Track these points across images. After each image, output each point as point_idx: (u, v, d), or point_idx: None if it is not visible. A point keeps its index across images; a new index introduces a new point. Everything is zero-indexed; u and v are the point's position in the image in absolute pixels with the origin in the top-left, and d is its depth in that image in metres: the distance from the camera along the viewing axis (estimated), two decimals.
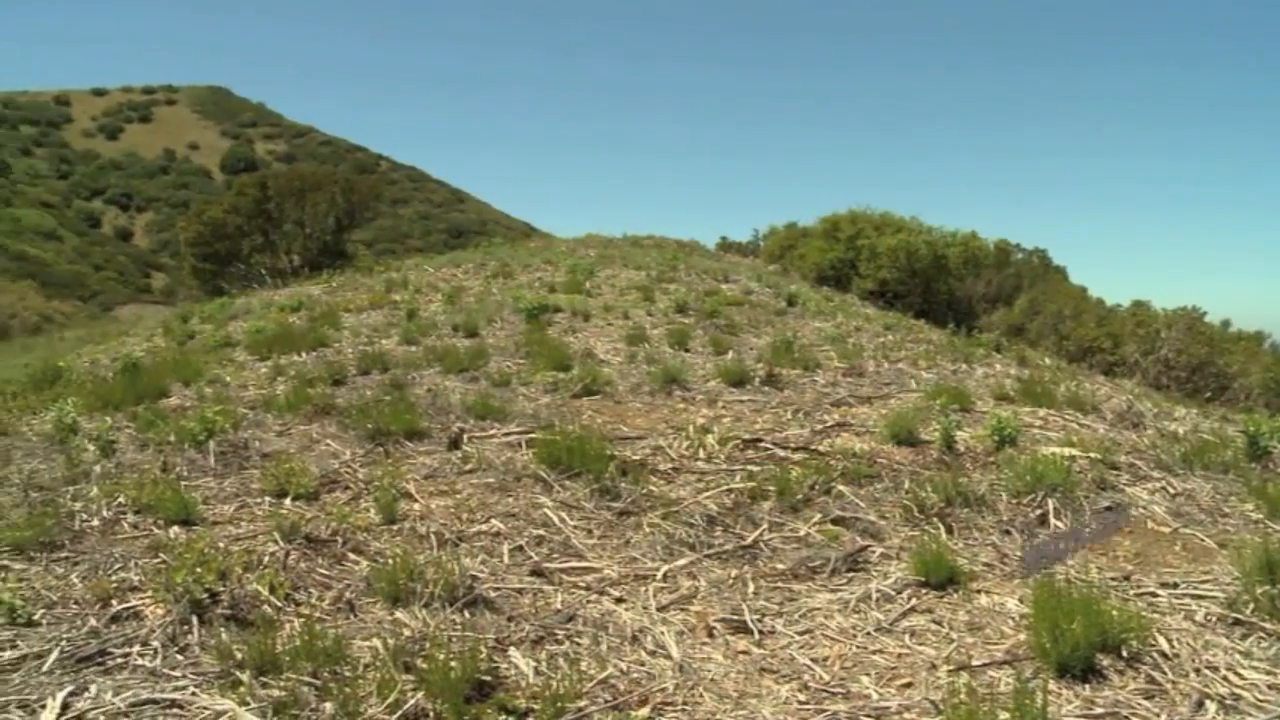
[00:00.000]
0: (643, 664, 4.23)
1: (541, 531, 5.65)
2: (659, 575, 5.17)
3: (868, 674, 4.19)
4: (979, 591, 5.07)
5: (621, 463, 6.66)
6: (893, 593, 5.03)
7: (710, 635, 4.57)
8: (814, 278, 23.93)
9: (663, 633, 4.50)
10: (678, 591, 5.01)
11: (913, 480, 6.62)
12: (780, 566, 5.37)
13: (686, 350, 11.43)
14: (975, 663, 4.26)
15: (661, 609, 4.79)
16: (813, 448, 7.38)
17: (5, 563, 4.98)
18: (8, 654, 4.04)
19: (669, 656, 4.29)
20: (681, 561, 5.36)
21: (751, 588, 5.09)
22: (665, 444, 7.35)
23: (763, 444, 7.43)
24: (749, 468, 6.86)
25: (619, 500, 6.11)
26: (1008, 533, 5.91)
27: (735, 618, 4.71)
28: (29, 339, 29.01)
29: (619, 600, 4.89)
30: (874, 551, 5.58)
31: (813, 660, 4.33)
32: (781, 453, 7.25)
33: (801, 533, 5.82)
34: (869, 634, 4.58)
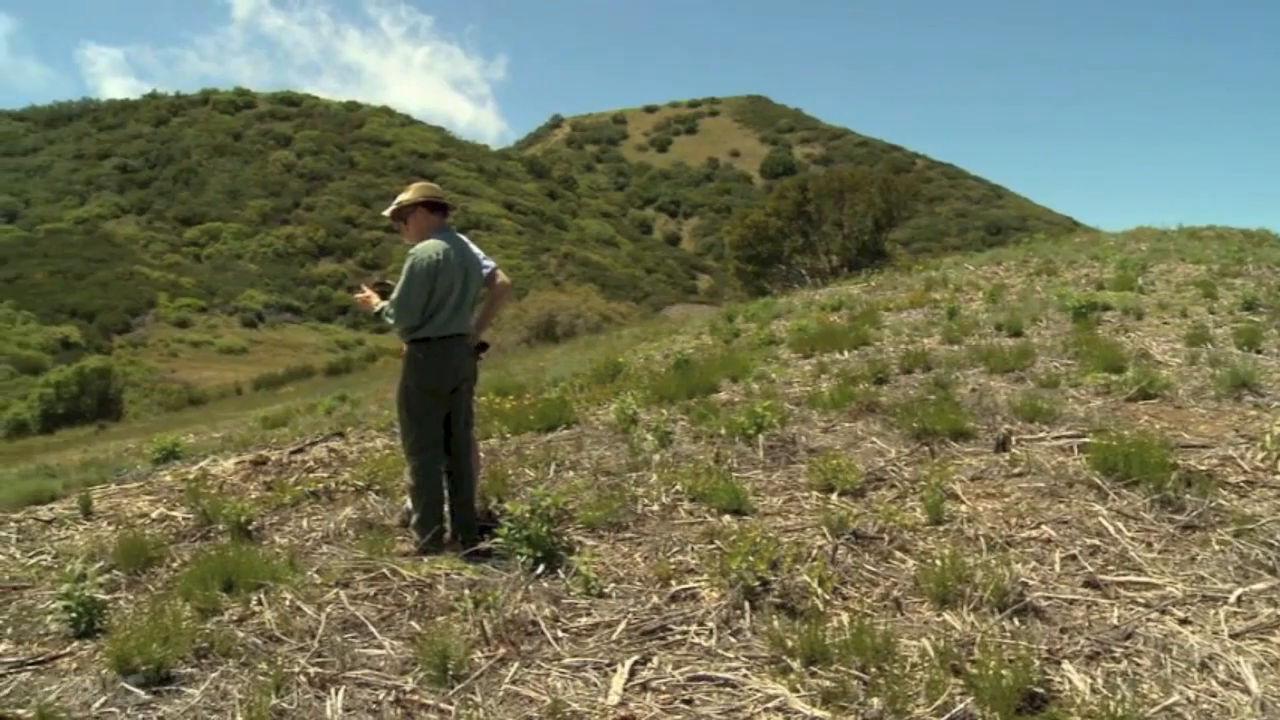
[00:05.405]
0: (1214, 694, 3.70)
1: (1095, 541, 5.18)
2: (1231, 598, 4.49)
3: None
4: None
5: (1185, 472, 5.94)
6: None
7: None
8: None
9: (1238, 662, 3.91)
10: (1255, 618, 4.31)
11: None
12: None
13: (1257, 351, 10.00)
14: None
15: (1235, 636, 4.16)
16: None
17: (580, 539, 5.58)
18: (584, 620, 4.50)
19: (1246, 690, 3.71)
20: (1259, 585, 4.62)
21: None
22: (1235, 454, 6.45)
23: None
24: None
25: (1182, 513, 5.44)
26: None
27: None
28: (591, 337, 32.36)
29: (1183, 621, 4.32)
30: None
31: None
32: None
33: None
34: None
